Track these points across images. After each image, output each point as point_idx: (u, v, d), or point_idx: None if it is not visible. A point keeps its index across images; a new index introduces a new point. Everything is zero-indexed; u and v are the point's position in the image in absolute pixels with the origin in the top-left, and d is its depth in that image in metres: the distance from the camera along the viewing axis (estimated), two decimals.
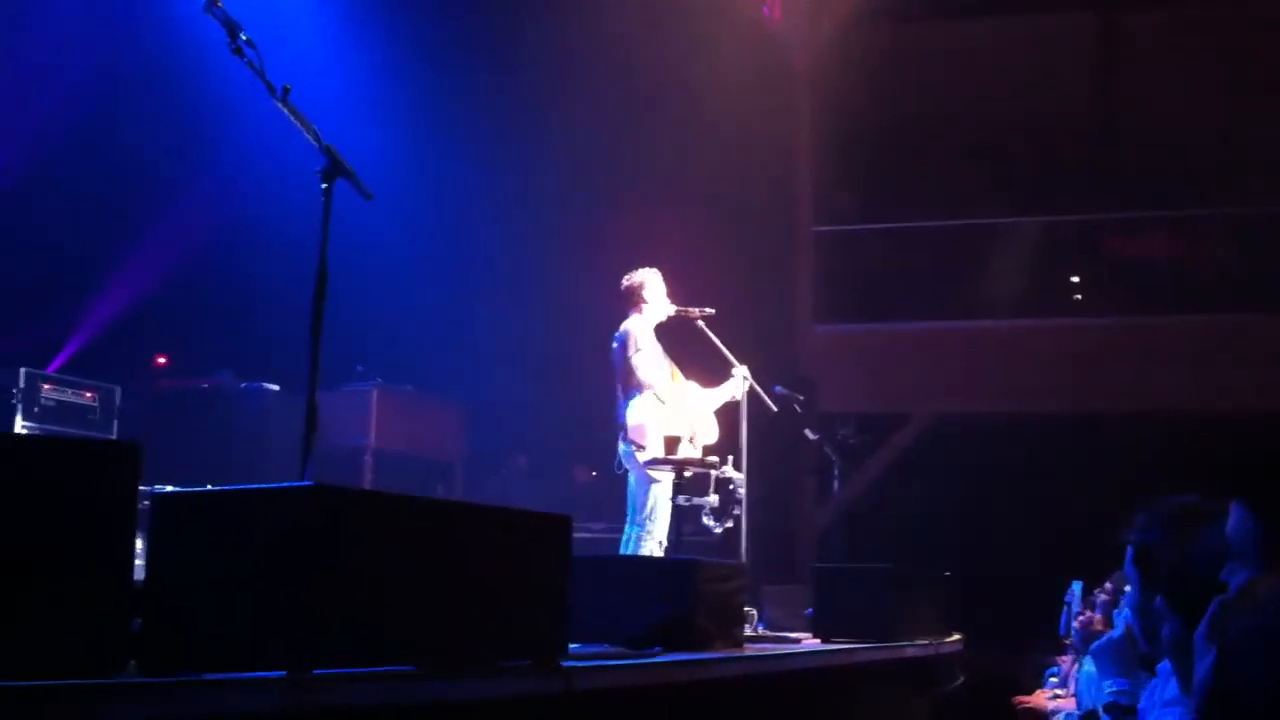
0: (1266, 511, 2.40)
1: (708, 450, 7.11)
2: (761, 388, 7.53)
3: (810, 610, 6.67)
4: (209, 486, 4.65)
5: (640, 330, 7.26)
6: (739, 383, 7.31)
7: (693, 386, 7.37)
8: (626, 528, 7.20)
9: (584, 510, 8.80)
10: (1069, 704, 7.08)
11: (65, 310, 9.87)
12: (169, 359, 10.95)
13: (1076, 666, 7.05)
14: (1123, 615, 3.62)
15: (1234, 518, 2.47)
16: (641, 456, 7.02)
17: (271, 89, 4.15)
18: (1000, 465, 12.23)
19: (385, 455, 10.39)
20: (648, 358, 7.18)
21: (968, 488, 12.20)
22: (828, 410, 12.21)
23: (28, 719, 2.10)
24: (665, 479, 7.05)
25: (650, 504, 7.07)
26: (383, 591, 2.77)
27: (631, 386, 7.16)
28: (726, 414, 7.45)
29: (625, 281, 7.45)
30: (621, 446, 7.20)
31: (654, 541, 7.03)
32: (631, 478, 7.22)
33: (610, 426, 7.35)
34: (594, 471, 10.55)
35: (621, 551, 7.10)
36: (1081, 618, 6.79)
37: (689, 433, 7.10)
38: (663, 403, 7.13)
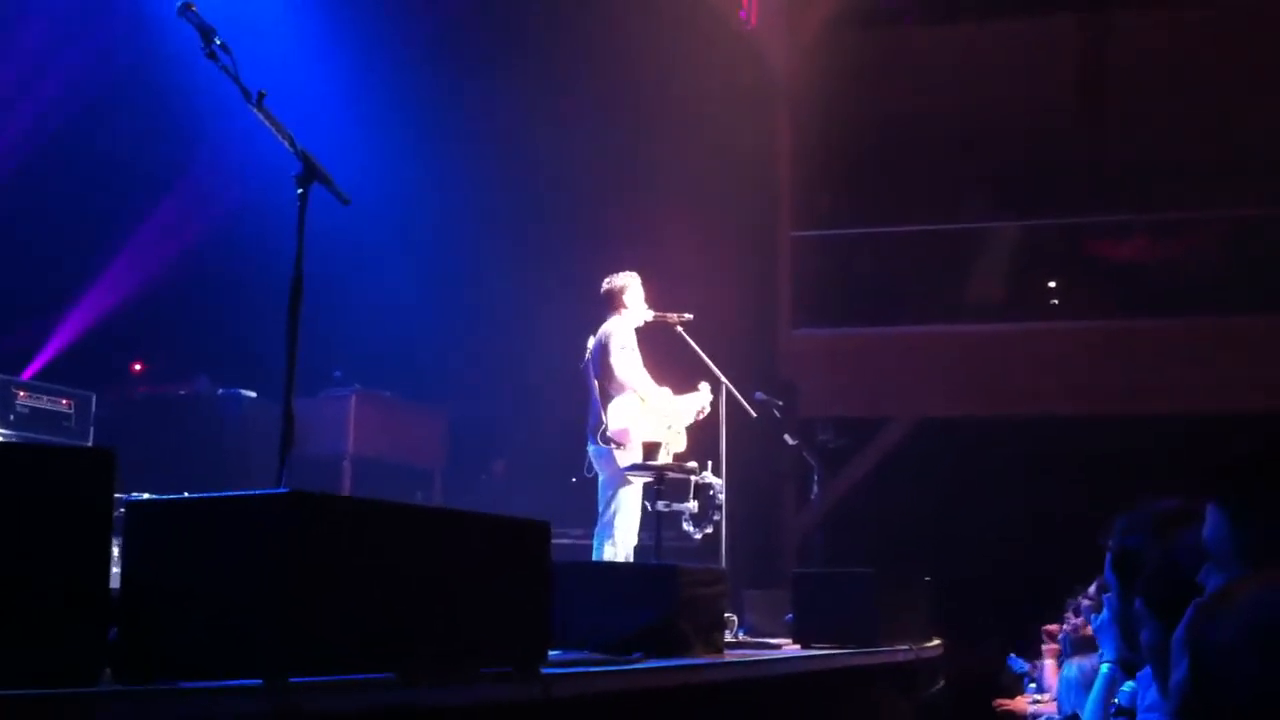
0: (1242, 513, 2.40)
1: (675, 458, 7.09)
2: (741, 393, 7.53)
3: (791, 615, 6.67)
4: (185, 494, 4.62)
5: (622, 332, 7.24)
6: (702, 396, 7.31)
7: (666, 392, 7.36)
8: (596, 532, 7.20)
9: (564, 517, 8.78)
10: (1050, 708, 7.10)
11: (40, 317, 9.82)
12: (145, 366, 10.90)
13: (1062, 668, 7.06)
14: (1100, 619, 3.62)
15: (1210, 520, 2.47)
16: (620, 455, 7.01)
17: (246, 93, 4.13)
18: (980, 469, 12.25)
19: (363, 462, 10.35)
20: (631, 359, 7.17)
21: (948, 491, 12.23)
22: (807, 415, 12.22)
23: None
24: (637, 483, 7.04)
25: (614, 507, 7.06)
26: (361, 599, 2.75)
27: (612, 388, 7.14)
28: (705, 420, 7.45)
29: (605, 285, 7.45)
30: (592, 448, 7.17)
31: (615, 546, 7.01)
32: (601, 479, 7.20)
33: (583, 431, 7.33)
34: (574, 479, 10.53)
35: (594, 556, 7.09)
36: (1069, 624, 6.80)
37: (666, 438, 7.09)
38: (644, 402, 7.12)
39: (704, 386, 7.35)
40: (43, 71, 9.24)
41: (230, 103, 4.20)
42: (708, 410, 7.36)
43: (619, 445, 7.01)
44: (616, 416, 7.06)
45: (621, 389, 7.11)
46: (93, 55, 9.44)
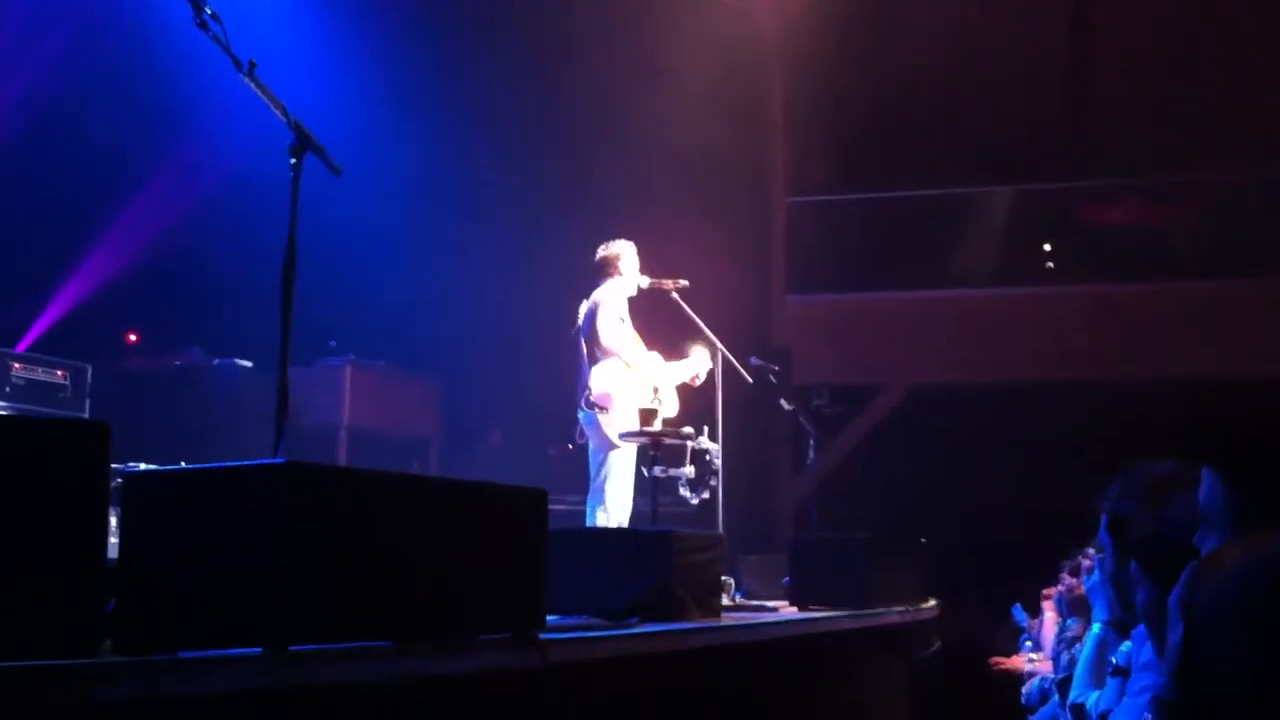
0: (1237, 477, 2.41)
1: (667, 424, 7.11)
2: (736, 359, 7.54)
3: (787, 579, 6.70)
4: (182, 465, 4.63)
5: (613, 300, 7.26)
6: (699, 362, 7.32)
7: (656, 358, 7.39)
8: (589, 498, 7.24)
9: (560, 483, 8.80)
10: (1045, 667, 7.15)
11: (35, 289, 9.80)
12: (140, 337, 10.89)
13: (1055, 630, 7.11)
14: (1092, 580, 3.64)
15: (1205, 484, 2.48)
16: (604, 420, 7.05)
17: (238, 63, 4.11)
18: (975, 433, 12.27)
19: (359, 431, 10.36)
20: (620, 326, 7.19)
21: (943, 456, 12.25)
22: (802, 381, 12.23)
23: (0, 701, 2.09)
24: (627, 448, 7.07)
25: (605, 471, 7.10)
26: (358, 568, 2.76)
27: (600, 353, 7.17)
28: (701, 386, 7.46)
29: (600, 253, 7.47)
30: (581, 414, 7.20)
31: (607, 512, 7.05)
32: (591, 445, 7.23)
33: (574, 398, 7.36)
34: (570, 445, 10.56)
35: (586, 523, 7.13)
36: (1063, 585, 6.84)
37: (654, 402, 7.11)
38: (630, 367, 7.14)
39: (702, 353, 7.35)
40: (34, 42, 9.20)
41: (222, 73, 4.18)
42: (703, 377, 7.37)
43: (602, 409, 7.06)
44: (599, 381, 7.11)
45: (608, 354, 7.14)
46: (84, 25, 9.40)
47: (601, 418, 7.06)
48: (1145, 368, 11.97)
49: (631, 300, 7.43)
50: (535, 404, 10.75)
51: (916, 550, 7.97)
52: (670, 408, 7.32)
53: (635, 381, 7.15)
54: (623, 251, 7.43)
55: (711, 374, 7.39)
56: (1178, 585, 2.27)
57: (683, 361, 7.38)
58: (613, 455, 7.10)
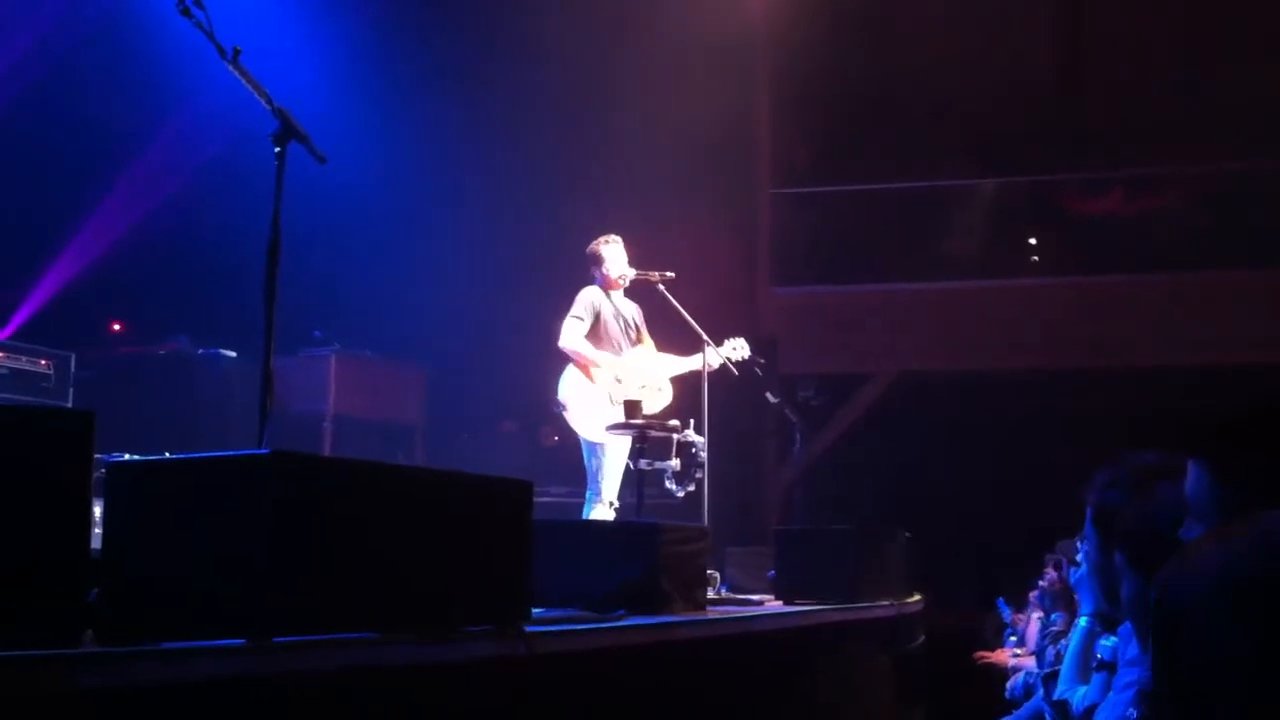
0: (1224, 469, 2.41)
1: (660, 415, 7.12)
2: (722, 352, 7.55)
3: (772, 572, 6.69)
4: (166, 454, 4.61)
5: (584, 299, 7.29)
6: (710, 357, 7.32)
7: (646, 352, 7.40)
8: (587, 492, 7.28)
9: (548, 475, 8.82)
10: (1029, 661, 7.16)
11: (18, 277, 9.76)
12: (124, 326, 10.85)
13: (1038, 624, 7.12)
14: (1078, 573, 3.64)
15: (1190, 475, 2.47)
16: (568, 419, 7.14)
17: (222, 51, 4.09)
18: (960, 425, 12.29)
19: (344, 421, 10.34)
20: (574, 328, 7.21)
21: (928, 448, 12.27)
22: (787, 372, 12.23)
23: None
24: (614, 442, 7.10)
25: (596, 467, 7.15)
26: (343, 558, 2.75)
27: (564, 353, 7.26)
28: (687, 377, 7.47)
29: (587, 249, 7.50)
30: None
31: (603, 503, 7.11)
32: (580, 439, 7.31)
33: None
34: (556, 436, 10.56)
35: (584, 514, 7.17)
36: (1045, 579, 6.85)
37: (622, 395, 7.13)
38: (591, 380, 7.17)
39: (729, 344, 7.40)
40: (15, 30, 9.14)
41: (206, 60, 4.16)
42: (723, 362, 7.37)
43: (565, 410, 7.13)
44: (561, 384, 7.25)
45: (570, 357, 7.20)
46: (66, 11, 9.35)
47: (566, 417, 7.15)
48: (1131, 358, 11.99)
49: (629, 293, 7.47)
50: (521, 394, 10.74)
51: (902, 543, 7.98)
52: (664, 399, 7.36)
53: (597, 383, 7.19)
54: (601, 249, 7.43)
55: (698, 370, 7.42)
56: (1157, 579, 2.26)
57: (690, 357, 7.42)
58: (599, 448, 7.14)
